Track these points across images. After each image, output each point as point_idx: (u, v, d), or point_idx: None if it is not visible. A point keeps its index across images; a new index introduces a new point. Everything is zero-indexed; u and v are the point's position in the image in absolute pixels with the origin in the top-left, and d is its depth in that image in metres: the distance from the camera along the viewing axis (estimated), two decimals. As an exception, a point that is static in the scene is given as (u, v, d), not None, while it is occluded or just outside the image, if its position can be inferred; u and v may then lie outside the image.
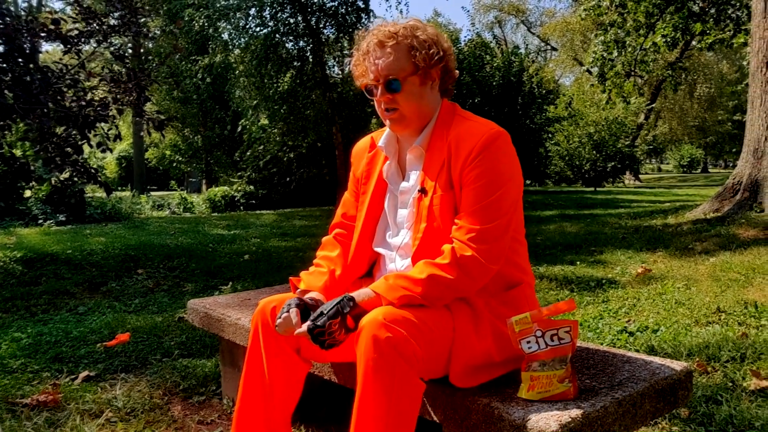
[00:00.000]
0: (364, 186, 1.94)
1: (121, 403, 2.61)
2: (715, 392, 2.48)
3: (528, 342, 1.57)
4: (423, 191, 1.75)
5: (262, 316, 1.78)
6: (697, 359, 2.85)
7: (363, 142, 2.02)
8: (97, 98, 6.03)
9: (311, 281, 1.85)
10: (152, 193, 26.68)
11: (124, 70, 6.23)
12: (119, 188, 34.94)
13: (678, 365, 1.77)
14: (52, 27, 6.01)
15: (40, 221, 10.57)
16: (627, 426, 1.58)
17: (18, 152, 9.79)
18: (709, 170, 51.60)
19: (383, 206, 1.89)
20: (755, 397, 2.44)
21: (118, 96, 5.97)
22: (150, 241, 8.20)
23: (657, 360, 1.82)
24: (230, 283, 5.48)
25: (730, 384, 2.58)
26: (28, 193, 11.95)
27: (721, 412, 2.31)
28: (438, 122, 1.78)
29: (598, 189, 21.74)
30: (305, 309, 1.67)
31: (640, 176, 34.06)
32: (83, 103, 5.70)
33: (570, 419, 1.44)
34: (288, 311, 1.66)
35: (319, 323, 1.55)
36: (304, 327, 1.57)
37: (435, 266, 1.62)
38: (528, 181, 24.83)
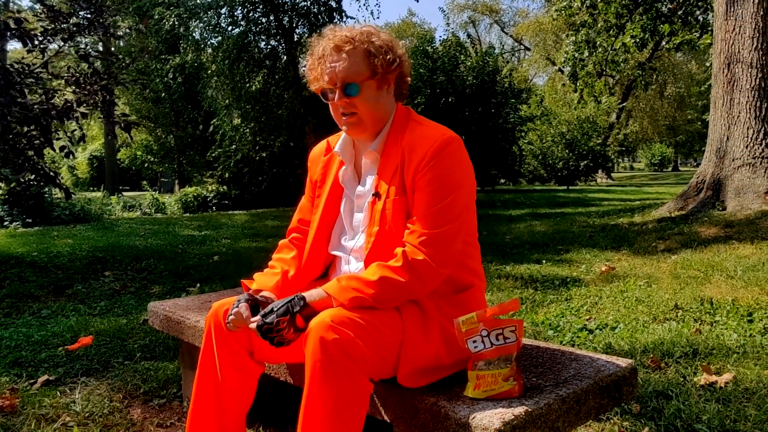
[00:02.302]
0: (320, 189, 1.96)
1: (80, 407, 2.59)
2: (666, 387, 2.54)
3: (474, 341, 1.60)
4: (377, 195, 1.77)
5: (214, 318, 1.78)
6: (652, 355, 2.91)
7: (319, 147, 2.04)
8: (60, 100, 5.95)
9: (263, 281, 1.86)
10: (125, 193, 26.38)
11: (88, 70, 6.15)
12: (91, 189, 34.49)
13: (623, 362, 1.82)
14: (14, 26, 5.93)
15: (6, 223, 10.40)
16: (571, 422, 1.61)
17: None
18: (680, 168, 52.47)
19: (339, 210, 1.91)
20: (704, 392, 2.51)
21: (83, 98, 5.89)
22: (119, 242, 8.12)
23: (603, 357, 1.86)
24: (198, 284, 5.45)
25: (681, 379, 2.65)
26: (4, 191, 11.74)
27: (670, 406, 2.37)
28: (393, 127, 1.81)
29: (570, 188, 22.00)
30: (255, 305, 1.69)
31: (613, 175, 34.53)
32: (45, 106, 5.62)
33: (513, 417, 1.47)
34: (238, 306, 1.68)
35: (268, 320, 1.57)
36: (254, 323, 1.59)
37: (387, 269, 1.64)
38: (502, 180, 25.01)
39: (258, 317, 1.59)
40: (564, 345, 3.21)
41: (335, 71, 1.72)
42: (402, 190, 1.73)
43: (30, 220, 10.60)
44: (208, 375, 1.77)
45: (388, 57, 1.74)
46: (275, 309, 1.59)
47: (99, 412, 2.56)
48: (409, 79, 1.85)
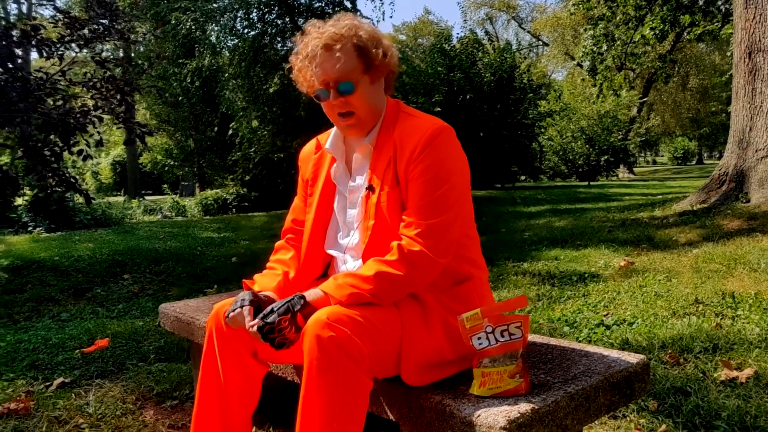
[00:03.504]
0: (312, 188, 1.93)
1: (93, 409, 2.60)
2: (685, 383, 2.48)
3: (479, 338, 1.57)
4: (370, 188, 1.74)
5: (216, 320, 1.77)
6: (670, 351, 2.85)
7: (309, 146, 2.01)
8: (77, 106, 6.01)
9: (264, 282, 1.84)
10: (147, 197, 26.66)
11: (104, 76, 6.21)
12: (114, 193, 34.95)
13: (635, 358, 1.77)
14: (32, 34, 6.00)
15: (30, 228, 10.55)
16: (580, 420, 1.57)
17: (6, 159, 9.78)
18: (704, 162, 51.63)
19: (332, 208, 1.89)
20: (724, 388, 2.44)
21: (99, 103, 5.94)
22: (138, 245, 8.19)
23: (614, 353, 1.82)
24: (215, 286, 5.48)
25: (701, 375, 2.59)
26: (19, 201, 11.94)
27: (689, 403, 2.31)
28: (385, 120, 1.78)
29: (591, 183, 21.75)
30: (258, 307, 1.67)
31: (635, 169, 34.10)
32: (63, 111, 5.68)
33: (519, 414, 1.44)
34: (241, 307, 1.66)
35: (269, 320, 1.55)
36: (254, 326, 1.57)
37: (383, 263, 1.62)
38: (522, 177, 24.85)
39: (257, 319, 1.57)
40: (580, 341, 3.16)
41: (327, 71, 1.69)
42: (395, 182, 1.70)
43: (53, 226, 10.76)
44: (210, 377, 1.75)
45: (379, 50, 1.71)
46: (275, 309, 1.57)
47: (111, 414, 2.57)
48: (396, 70, 1.82)
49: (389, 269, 1.60)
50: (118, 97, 6.24)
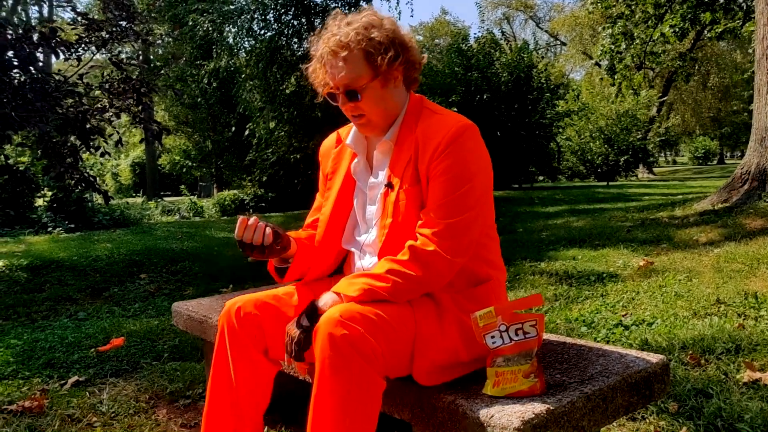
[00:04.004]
0: (330, 182, 1.90)
1: (106, 408, 2.60)
2: (706, 385, 2.42)
3: (492, 337, 1.53)
4: (390, 186, 1.71)
5: (227, 318, 1.75)
6: (691, 352, 2.78)
7: (329, 140, 1.99)
8: (93, 105, 6.05)
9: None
10: (165, 198, 26.85)
11: (119, 77, 6.25)
12: (133, 194, 35.29)
13: (654, 357, 1.72)
14: (49, 36, 6.05)
15: (50, 229, 10.66)
16: (597, 421, 1.53)
17: (25, 160, 9.89)
18: (726, 161, 50.94)
19: (352, 203, 1.86)
20: (747, 389, 2.38)
21: (115, 102, 5.98)
22: (156, 245, 8.23)
23: (633, 353, 1.77)
24: (231, 285, 5.47)
25: (723, 376, 2.52)
26: (39, 202, 12.09)
27: (710, 405, 2.25)
28: (406, 117, 1.75)
29: (610, 183, 21.53)
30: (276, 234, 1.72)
31: (655, 169, 33.73)
32: (80, 110, 5.72)
33: (533, 415, 1.40)
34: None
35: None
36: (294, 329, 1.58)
37: (395, 262, 1.59)
38: (540, 177, 24.68)
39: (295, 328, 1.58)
40: (598, 341, 3.10)
41: (335, 77, 1.67)
42: (416, 179, 1.67)
43: (72, 226, 10.86)
44: (222, 375, 1.74)
45: (390, 54, 1.66)
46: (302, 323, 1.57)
47: (124, 413, 2.56)
48: (420, 64, 1.77)
49: (401, 269, 1.57)
50: (135, 97, 6.27)
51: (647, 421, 2.23)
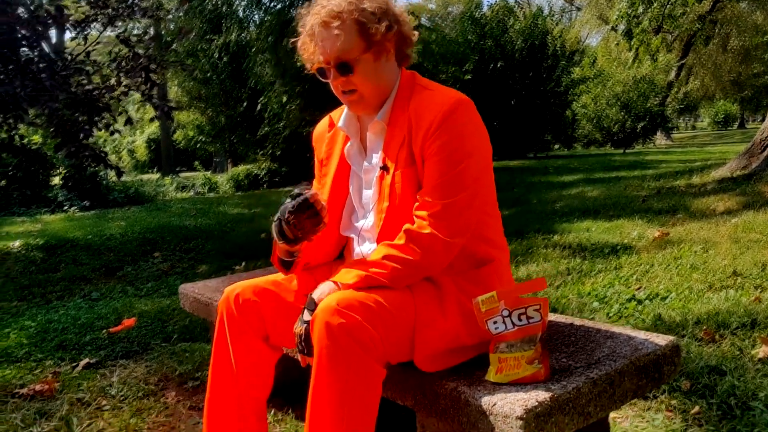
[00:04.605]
0: (325, 168, 1.85)
1: (115, 391, 2.61)
2: (720, 362, 2.37)
3: (495, 322, 1.49)
4: (385, 168, 1.66)
5: (226, 305, 1.73)
6: (705, 327, 2.73)
7: (322, 124, 1.92)
8: (101, 83, 6.03)
9: None
10: (181, 174, 26.95)
11: (128, 54, 6.20)
12: (149, 171, 35.43)
13: (663, 339, 1.68)
14: (55, 15, 6.01)
15: (65, 207, 10.74)
16: (604, 406, 1.49)
17: (38, 139, 9.92)
18: (747, 126, 49.98)
19: (348, 189, 1.81)
20: (762, 366, 2.33)
21: (123, 81, 5.95)
22: (169, 223, 8.26)
23: (642, 335, 1.72)
24: (243, 263, 5.47)
25: (737, 353, 2.47)
26: (56, 180, 12.15)
27: (723, 383, 2.20)
28: (398, 94, 1.68)
29: (627, 150, 21.25)
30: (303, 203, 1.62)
31: (673, 135, 33.21)
32: (89, 89, 5.70)
33: (537, 403, 1.36)
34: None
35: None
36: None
37: (392, 247, 1.54)
38: (556, 146, 24.41)
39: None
40: (610, 317, 3.06)
41: (326, 50, 1.60)
42: (411, 160, 1.61)
43: (87, 204, 10.93)
44: (222, 363, 1.73)
45: (383, 24, 1.59)
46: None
47: (134, 396, 2.57)
48: (412, 39, 1.71)
49: (398, 253, 1.53)
50: (143, 75, 6.22)
51: (658, 399, 2.19)
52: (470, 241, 1.62)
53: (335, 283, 1.54)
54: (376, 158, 1.71)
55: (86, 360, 3.02)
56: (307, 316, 1.52)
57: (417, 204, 1.59)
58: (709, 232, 4.68)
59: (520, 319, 1.49)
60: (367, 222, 1.74)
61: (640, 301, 3.22)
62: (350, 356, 1.39)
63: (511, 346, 1.48)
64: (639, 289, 3.44)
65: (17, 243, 6.96)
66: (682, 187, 7.07)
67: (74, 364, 3.01)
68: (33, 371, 2.95)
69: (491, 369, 1.50)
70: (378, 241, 1.64)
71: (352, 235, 1.80)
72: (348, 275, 1.52)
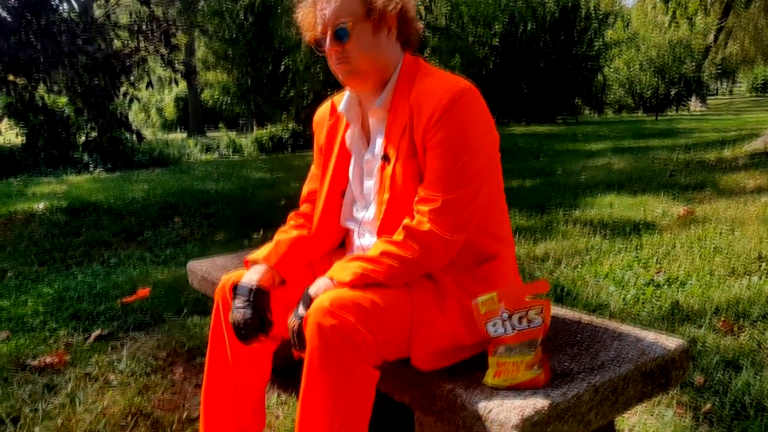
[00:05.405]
0: (326, 156, 1.78)
1: (124, 365, 2.63)
2: (737, 356, 2.30)
3: (494, 324, 1.43)
4: (386, 158, 1.59)
5: (222, 294, 1.70)
6: (723, 317, 2.64)
7: (323, 109, 1.85)
8: (120, 48, 5.99)
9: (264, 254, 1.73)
10: (208, 133, 27.03)
11: (147, 16, 6.14)
12: (178, 129, 35.57)
13: (673, 342, 1.61)
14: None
15: (91, 169, 10.85)
16: (605, 414, 1.44)
17: (63, 100, 9.97)
18: (787, 92, 48.34)
19: (348, 177, 1.74)
20: (781, 362, 2.25)
21: (143, 44, 5.90)
22: (191, 186, 8.31)
23: (650, 335, 1.65)
24: (261, 230, 5.46)
25: (756, 346, 2.39)
26: (82, 140, 12.26)
27: (738, 379, 2.13)
28: (400, 80, 1.60)
29: (659, 117, 20.73)
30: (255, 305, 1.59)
31: (708, 101, 32.29)
32: (107, 53, 5.66)
33: (534, 412, 1.31)
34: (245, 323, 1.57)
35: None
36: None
37: (390, 244, 1.48)
38: (586, 111, 23.94)
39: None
40: (627, 302, 2.98)
41: (326, 16, 1.53)
42: (413, 151, 1.54)
43: (111, 166, 11.02)
44: (218, 354, 1.70)
45: None
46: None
47: (141, 371, 2.58)
48: (418, 25, 1.63)
49: (396, 250, 1.47)
50: (163, 38, 6.17)
51: (669, 395, 2.13)
52: (473, 234, 1.56)
53: (331, 279, 1.49)
54: (378, 146, 1.64)
55: (98, 331, 3.05)
56: (301, 310, 1.48)
57: (417, 198, 1.52)
58: (737, 211, 4.54)
59: (520, 322, 1.43)
60: (368, 214, 1.68)
61: (658, 286, 3.13)
62: (342, 358, 1.34)
63: (511, 349, 1.43)
64: (658, 272, 3.35)
65: (42, 205, 7.07)
66: (712, 161, 6.86)
67: (86, 335, 3.04)
68: (46, 341, 2.99)
69: (489, 372, 1.45)
70: (378, 235, 1.58)
71: (353, 227, 1.74)
72: (344, 272, 1.47)
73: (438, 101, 1.49)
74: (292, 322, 1.49)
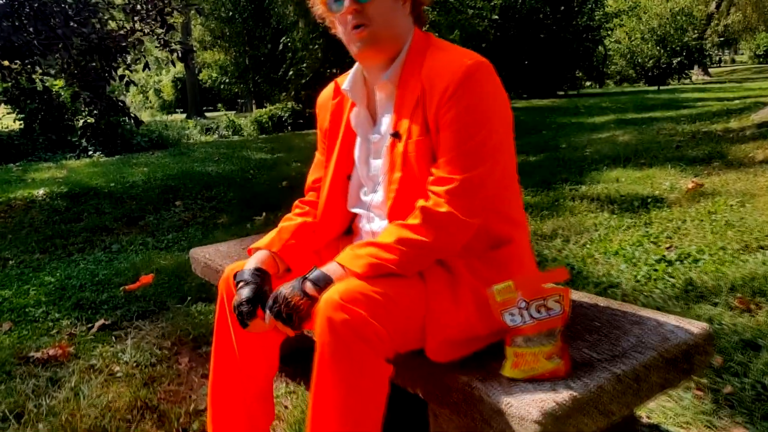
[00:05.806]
0: (331, 138, 1.71)
1: (128, 356, 2.58)
2: (756, 335, 2.24)
3: (511, 314, 1.37)
4: (396, 135, 1.51)
5: (226, 285, 1.64)
6: (739, 295, 2.59)
7: (327, 91, 1.76)
8: (116, 29, 5.87)
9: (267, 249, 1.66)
10: (207, 114, 26.88)
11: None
12: (177, 110, 35.40)
13: (696, 327, 1.55)
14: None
15: (90, 153, 10.76)
16: (627, 404, 1.39)
17: (60, 83, 9.84)
18: (789, 59, 47.85)
19: (354, 160, 1.67)
20: (802, 341, 2.19)
21: (139, 26, 5.79)
22: (192, 169, 8.23)
23: (672, 320, 1.59)
24: (263, 213, 5.40)
25: (775, 325, 2.33)
26: (81, 123, 12.15)
27: (759, 360, 2.08)
28: (410, 53, 1.52)
29: (661, 88, 20.52)
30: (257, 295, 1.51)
31: (710, 70, 31.98)
32: (102, 34, 5.55)
33: (555, 405, 1.26)
34: (245, 306, 1.49)
35: (274, 310, 1.40)
36: (269, 318, 1.42)
37: (405, 228, 1.41)
38: (588, 83, 23.73)
39: (267, 313, 1.43)
40: (638, 280, 2.93)
41: None
42: (425, 128, 1.46)
43: (110, 149, 10.93)
44: (224, 347, 1.65)
45: None
46: (282, 292, 1.41)
47: (146, 362, 2.54)
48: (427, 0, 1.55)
49: (412, 235, 1.40)
50: (159, 19, 6.05)
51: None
52: (487, 217, 1.48)
53: (342, 266, 1.43)
54: (386, 124, 1.56)
55: (102, 321, 3.00)
56: (311, 289, 1.40)
57: (431, 178, 1.44)
58: (747, 184, 4.46)
59: (538, 311, 1.37)
60: (377, 197, 1.61)
61: (670, 262, 3.07)
62: (354, 353, 1.29)
63: (529, 340, 1.37)
64: (669, 248, 3.29)
65: (41, 191, 7.00)
66: (719, 132, 6.76)
67: (90, 325, 2.99)
68: (49, 332, 2.95)
69: (507, 363, 1.39)
70: (389, 218, 1.51)
71: (361, 211, 1.67)
72: (356, 262, 1.40)
73: (452, 76, 1.41)
74: (295, 293, 1.41)
